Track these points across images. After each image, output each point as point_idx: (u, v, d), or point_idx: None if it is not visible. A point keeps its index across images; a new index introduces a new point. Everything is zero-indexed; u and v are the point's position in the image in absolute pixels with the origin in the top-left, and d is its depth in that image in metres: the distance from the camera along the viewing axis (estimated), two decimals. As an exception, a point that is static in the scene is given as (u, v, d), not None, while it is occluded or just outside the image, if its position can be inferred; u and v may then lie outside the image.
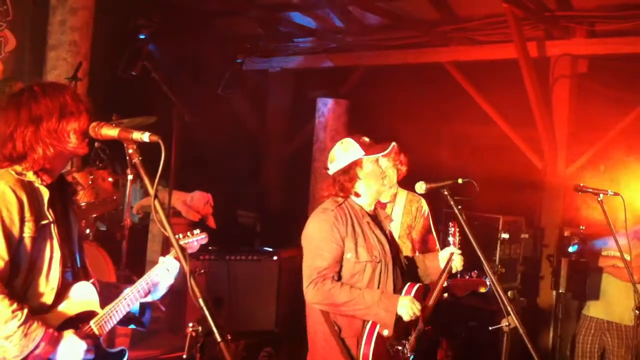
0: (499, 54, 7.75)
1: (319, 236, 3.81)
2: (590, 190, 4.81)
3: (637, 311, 5.54)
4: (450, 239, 4.20)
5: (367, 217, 3.94)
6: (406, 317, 3.72)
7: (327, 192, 3.99)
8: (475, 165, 6.62)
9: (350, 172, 3.89)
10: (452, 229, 4.21)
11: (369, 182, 3.91)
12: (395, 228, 4.87)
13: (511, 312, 3.32)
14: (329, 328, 3.80)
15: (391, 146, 3.91)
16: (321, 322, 3.84)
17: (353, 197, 3.94)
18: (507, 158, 7.94)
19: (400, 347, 3.77)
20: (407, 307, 3.71)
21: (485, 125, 8.13)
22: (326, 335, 3.82)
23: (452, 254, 4.05)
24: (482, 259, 3.47)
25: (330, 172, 3.99)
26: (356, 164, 3.89)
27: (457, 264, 4.05)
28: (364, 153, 3.87)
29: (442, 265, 4.06)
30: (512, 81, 7.41)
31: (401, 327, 3.80)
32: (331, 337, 3.80)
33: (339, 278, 3.79)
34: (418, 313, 3.74)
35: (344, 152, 3.92)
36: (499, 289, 3.36)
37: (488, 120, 8.08)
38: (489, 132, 8.10)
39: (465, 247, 4.04)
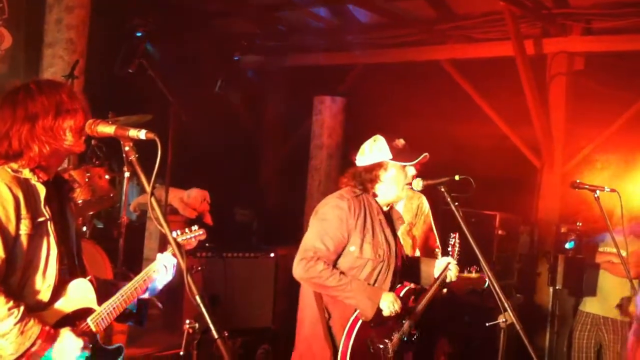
0: (496, 52, 7.77)
1: (328, 218, 3.81)
2: (587, 187, 4.82)
3: (616, 308, 5.60)
4: (450, 249, 4.21)
5: (381, 215, 3.92)
6: (386, 312, 3.73)
7: (345, 180, 3.97)
8: (473, 162, 6.61)
9: (373, 172, 3.87)
10: (453, 240, 4.21)
11: (390, 187, 3.90)
12: None
13: (508, 309, 3.32)
14: (318, 312, 3.82)
15: (422, 157, 3.88)
16: (312, 306, 3.85)
17: (369, 195, 3.93)
18: (504, 155, 7.96)
19: (381, 346, 3.77)
20: (389, 302, 3.73)
21: (483, 122, 8.15)
22: (314, 319, 3.84)
23: (448, 264, 4.06)
24: (479, 255, 3.47)
25: (357, 164, 3.97)
26: (380, 165, 3.87)
27: (452, 274, 4.04)
28: (391, 157, 3.85)
29: (437, 274, 4.07)
30: (509, 79, 7.42)
31: (386, 327, 3.81)
32: (319, 321, 3.82)
33: (335, 266, 3.80)
34: (398, 310, 3.75)
35: (373, 150, 3.90)
36: (496, 286, 3.36)
37: (485, 118, 8.10)
38: (486, 129, 8.12)
39: (462, 244, 4.05)
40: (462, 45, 8.12)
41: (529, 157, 7.81)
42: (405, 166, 3.89)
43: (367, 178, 3.88)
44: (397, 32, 8.51)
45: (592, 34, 7.33)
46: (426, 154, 3.90)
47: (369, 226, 3.84)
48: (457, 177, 3.81)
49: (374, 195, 3.92)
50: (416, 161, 3.88)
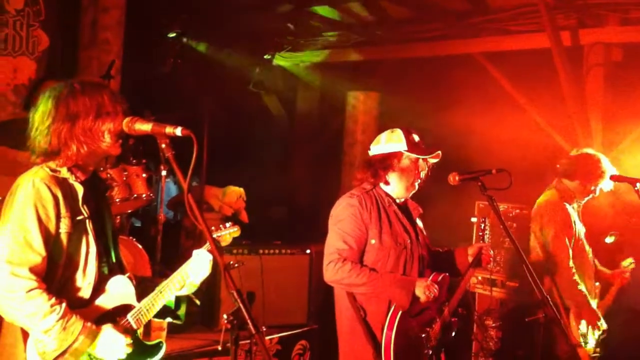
0: (532, 44, 7.65)
1: (343, 218, 3.88)
2: (627, 179, 4.74)
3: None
4: (481, 233, 4.22)
5: (394, 206, 3.98)
6: (422, 298, 3.75)
7: (360, 175, 4.03)
8: (508, 156, 6.54)
9: (387, 161, 3.94)
10: (483, 224, 4.24)
11: (401, 177, 3.95)
12: None
13: (549, 303, 3.29)
14: (354, 312, 3.85)
15: (436, 153, 3.94)
16: (347, 306, 3.89)
17: (382, 185, 3.98)
18: (540, 148, 7.84)
19: (423, 335, 3.80)
20: (424, 287, 3.75)
21: (519, 115, 8.04)
22: (351, 319, 3.88)
23: (481, 247, 4.06)
24: (519, 250, 3.44)
25: (371, 153, 4.05)
26: (395, 155, 3.94)
27: (488, 258, 4.08)
28: (406, 149, 3.91)
29: (470, 259, 4.08)
30: (545, 71, 7.31)
31: (426, 316, 3.85)
32: (356, 321, 3.85)
33: (361, 262, 3.84)
34: (435, 294, 3.77)
35: (389, 140, 3.98)
36: (537, 281, 3.32)
37: (521, 111, 7.99)
38: (522, 122, 8.01)
39: (499, 238, 4.05)
40: (496, 37, 8.02)
41: (567, 150, 7.69)
42: (418, 159, 3.93)
43: (382, 166, 3.95)
44: (429, 26, 8.45)
45: (629, 24, 7.18)
46: (439, 152, 3.94)
47: (384, 217, 3.91)
48: (494, 171, 3.80)
49: (386, 183, 3.98)
50: (429, 156, 3.93)
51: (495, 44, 8.05)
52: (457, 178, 3.86)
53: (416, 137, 3.99)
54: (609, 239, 5.49)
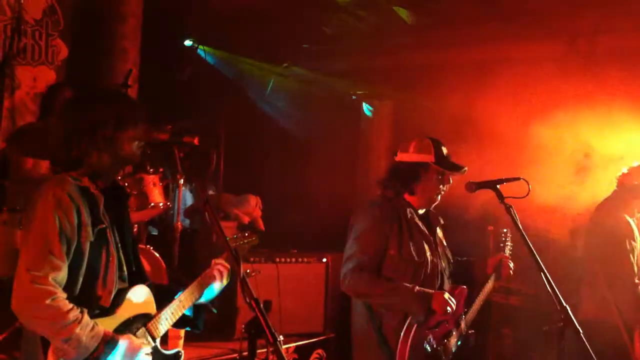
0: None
1: (363, 228, 3.86)
2: None
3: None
4: (502, 245, 4.20)
5: (415, 217, 3.94)
6: (440, 311, 3.72)
7: (385, 181, 4.01)
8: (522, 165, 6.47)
9: (413, 170, 3.92)
10: (504, 236, 4.22)
11: (427, 188, 3.93)
12: None
13: (568, 312, 3.26)
14: (370, 322, 3.84)
15: (463, 170, 3.93)
16: (363, 316, 3.88)
17: (406, 196, 3.94)
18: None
19: (439, 348, 3.77)
20: (441, 301, 3.72)
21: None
22: (366, 329, 3.87)
23: (501, 259, 4.04)
24: (536, 258, 3.41)
25: (397, 158, 4.02)
26: (422, 166, 3.92)
27: (508, 270, 4.08)
28: (434, 161, 3.90)
29: (490, 271, 4.07)
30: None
31: (443, 328, 3.82)
32: (371, 330, 3.83)
33: (380, 273, 3.81)
34: (452, 309, 3.73)
35: (419, 149, 3.95)
36: (556, 290, 3.30)
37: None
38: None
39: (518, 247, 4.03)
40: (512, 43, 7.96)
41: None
42: (444, 173, 3.91)
43: (408, 175, 3.93)
44: (445, 32, 8.42)
45: None
46: (465, 168, 3.94)
47: (404, 228, 3.88)
48: (509, 179, 3.77)
49: (411, 193, 3.95)
50: (455, 171, 3.92)
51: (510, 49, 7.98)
52: (474, 187, 3.84)
53: (444, 150, 3.97)
54: None
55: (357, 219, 3.94)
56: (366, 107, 9.14)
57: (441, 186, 3.94)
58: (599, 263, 4.64)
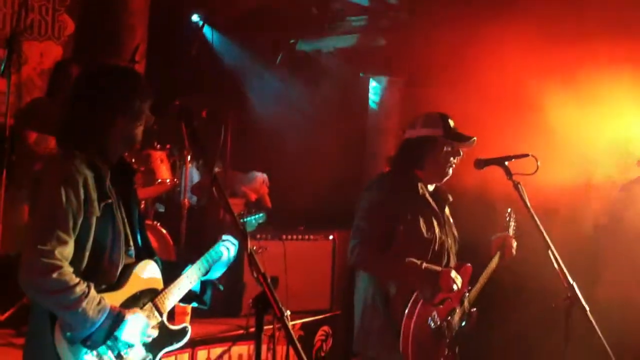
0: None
1: (373, 201, 3.85)
2: None
3: None
4: (506, 224, 4.20)
5: (425, 194, 3.92)
6: (446, 289, 3.72)
7: (394, 157, 4.03)
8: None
9: (422, 145, 3.89)
10: (508, 215, 4.21)
11: (437, 161, 3.90)
12: None
13: (575, 290, 3.26)
14: (375, 296, 3.83)
15: (472, 140, 3.89)
16: (368, 290, 3.87)
17: (415, 170, 3.93)
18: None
19: (443, 324, 3.78)
20: (449, 278, 3.71)
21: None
22: (371, 303, 3.85)
23: (505, 238, 4.03)
24: (544, 236, 3.40)
25: (406, 135, 4.00)
26: (430, 139, 3.88)
27: (512, 250, 4.06)
28: (442, 134, 3.86)
29: (494, 250, 4.07)
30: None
31: (447, 305, 3.82)
32: (376, 305, 3.83)
33: (388, 247, 3.80)
34: (458, 287, 3.73)
35: (426, 124, 3.92)
36: (563, 267, 3.29)
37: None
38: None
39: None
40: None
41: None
42: (453, 145, 3.88)
43: (417, 151, 3.90)
44: (455, 11, 8.34)
45: None
46: (474, 138, 3.89)
47: (414, 204, 3.86)
48: (518, 156, 3.75)
49: (420, 168, 3.92)
50: (465, 143, 3.88)
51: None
52: (482, 163, 3.82)
53: (451, 123, 3.93)
54: None
55: (366, 194, 3.92)
56: (373, 89, 9.08)
57: (452, 159, 3.90)
58: None
